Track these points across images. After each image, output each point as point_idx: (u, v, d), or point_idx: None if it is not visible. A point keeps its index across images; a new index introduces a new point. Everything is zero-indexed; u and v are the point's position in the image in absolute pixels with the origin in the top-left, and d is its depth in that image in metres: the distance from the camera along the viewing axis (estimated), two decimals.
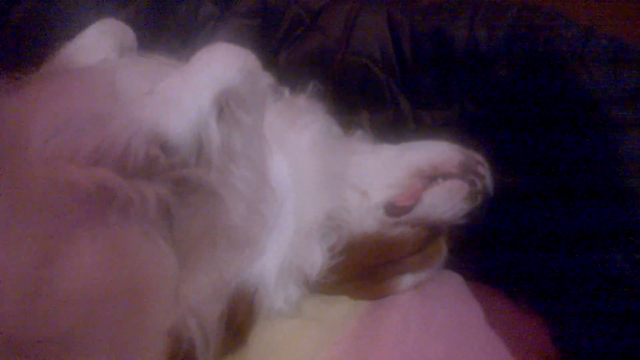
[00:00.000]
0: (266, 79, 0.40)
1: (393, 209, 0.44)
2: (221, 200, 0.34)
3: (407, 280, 0.47)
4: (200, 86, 0.33)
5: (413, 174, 0.45)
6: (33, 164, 0.31)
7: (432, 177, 0.45)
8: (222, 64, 0.34)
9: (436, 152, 0.47)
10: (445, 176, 0.45)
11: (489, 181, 0.45)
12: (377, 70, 0.59)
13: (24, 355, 0.26)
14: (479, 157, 0.46)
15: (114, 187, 0.30)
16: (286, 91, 0.53)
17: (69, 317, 0.27)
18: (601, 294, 0.40)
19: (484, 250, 0.50)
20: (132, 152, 0.31)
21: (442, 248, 0.47)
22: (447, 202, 0.44)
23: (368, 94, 0.60)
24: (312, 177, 0.44)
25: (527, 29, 0.50)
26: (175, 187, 0.33)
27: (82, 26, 0.48)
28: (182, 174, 0.32)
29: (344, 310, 0.47)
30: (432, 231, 0.46)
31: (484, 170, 0.45)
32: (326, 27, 0.61)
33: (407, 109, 0.59)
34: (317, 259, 0.44)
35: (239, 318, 0.39)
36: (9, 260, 0.27)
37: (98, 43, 0.46)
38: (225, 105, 0.34)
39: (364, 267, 0.46)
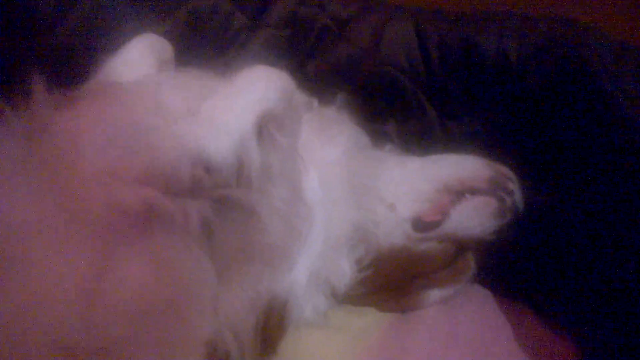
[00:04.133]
0: (301, 100, 0.42)
1: (420, 224, 0.46)
2: (259, 219, 0.37)
3: (434, 294, 0.49)
4: (243, 109, 0.36)
5: (441, 188, 0.47)
6: (86, 180, 0.34)
7: (460, 192, 0.47)
8: (263, 87, 0.37)
9: (464, 166, 0.48)
10: (474, 192, 0.46)
11: (518, 197, 0.46)
12: (404, 79, 0.61)
13: None
14: (508, 172, 0.48)
15: (160, 206, 0.33)
16: (315, 102, 0.56)
17: (121, 327, 0.30)
18: (631, 316, 0.41)
19: (512, 266, 0.51)
20: (179, 173, 0.33)
21: (470, 263, 0.49)
22: (475, 218, 0.46)
23: (396, 103, 0.62)
24: (340, 188, 0.47)
25: (558, 41, 0.51)
26: (216, 205, 0.35)
27: (124, 40, 0.52)
28: (223, 194, 0.35)
29: (370, 321, 0.49)
30: (460, 246, 0.47)
31: (513, 185, 0.47)
32: (354, 37, 0.63)
33: (435, 119, 0.60)
34: (345, 271, 0.46)
35: (270, 328, 0.42)
36: (67, 273, 0.30)
37: (139, 57, 0.49)
38: (264, 127, 0.37)
39: (391, 280, 0.48)
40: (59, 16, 0.51)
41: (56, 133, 0.37)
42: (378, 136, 0.61)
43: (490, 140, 0.56)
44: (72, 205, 0.33)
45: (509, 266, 0.52)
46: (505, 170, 0.48)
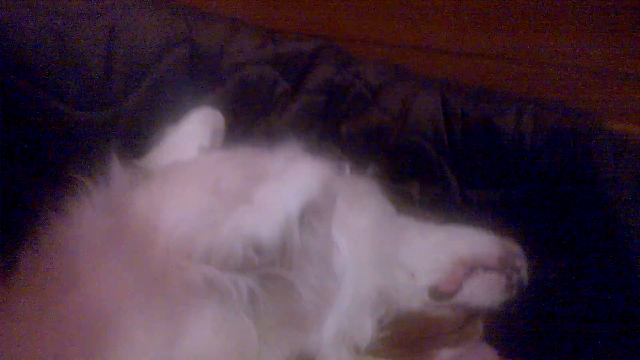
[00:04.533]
0: (337, 190, 0.48)
1: (436, 293, 0.52)
2: (297, 292, 0.43)
3: (445, 353, 0.55)
4: (289, 200, 0.42)
5: (457, 262, 0.53)
6: (160, 258, 0.41)
7: (473, 267, 0.53)
8: (308, 182, 0.44)
9: (479, 243, 0.54)
10: (486, 268, 0.52)
11: (524, 274, 0.52)
12: (429, 148, 0.67)
13: None
14: (517, 251, 0.54)
15: (218, 282, 0.40)
16: (347, 167, 0.63)
17: None
18: None
19: (517, 329, 0.57)
20: (234, 254, 0.40)
21: (479, 327, 0.55)
22: (485, 292, 0.52)
23: (420, 168, 0.68)
24: (367, 255, 0.53)
25: (569, 132, 0.57)
26: (261, 280, 0.42)
27: (183, 111, 0.60)
28: (268, 271, 0.42)
29: None
30: (470, 313, 0.53)
31: (521, 263, 0.53)
32: (385, 104, 0.70)
33: (455, 186, 0.66)
34: (367, 330, 0.53)
35: None
36: (149, 342, 0.37)
37: (197, 130, 0.57)
38: (305, 215, 0.43)
39: (407, 339, 0.54)
40: (127, 91, 0.59)
41: (134, 212, 0.45)
42: (402, 196, 0.68)
43: (504, 211, 0.62)
44: (148, 279, 0.40)
45: (514, 329, 0.58)
46: (514, 248, 0.54)
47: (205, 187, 0.48)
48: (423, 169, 0.68)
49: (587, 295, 0.54)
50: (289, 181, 0.44)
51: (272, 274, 0.43)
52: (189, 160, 0.52)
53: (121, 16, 0.59)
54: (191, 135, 0.57)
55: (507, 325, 0.58)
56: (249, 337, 0.42)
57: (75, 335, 0.37)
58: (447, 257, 0.54)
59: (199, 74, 0.64)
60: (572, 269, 0.56)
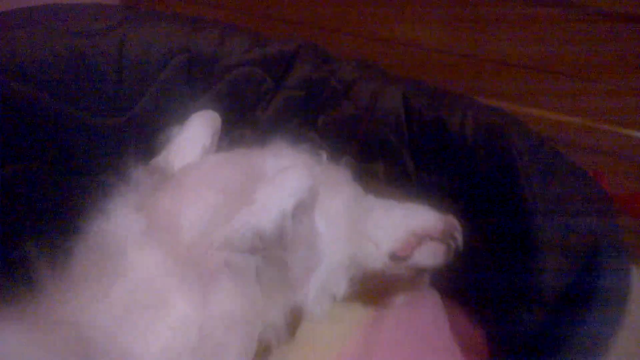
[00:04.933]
0: (318, 188, 0.62)
1: (394, 258, 0.69)
2: (289, 266, 0.59)
3: (400, 298, 0.72)
4: (284, 200, 0.56)
5: (410, 234, 0.69)
6: (186, 246, 0.55)
7: (422, 237, 0.69)
8: (298, 184, 0.57)
9: (427, 219, 0.70)
10: (431, 238, 0.69)
11: (460, 242, 0.69)
12: (392, 137, 0.81)
13: None
14: (455, 223, 0.70)
15: (234, 263, 0.54)
16: (324, 155, 0.76)
17: (221, 336, 0.52)
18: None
19: (454, 276, 0.75)
20: (244, 242, 0.55)
21: (426, 279, 0.73)
22: (431, 256, 0.69)
23: (384, 153, 0.83)
24: (341, 232, 0.69)
25: (499, 130, 0.71)
26: (264, 259, 0.57)
27: (185, 113, 0.71)
28: (270, 254, 0.56)
29: (358, 315, 0.73)
30: (420, 270, 0.71)
31: (458, 234, 0.69)
32: (356, 98, 0.83)
33: (412, 169, 0.81)
34: (342, 286, 0.69)
35: (292, 323, 0.65)
36: (191, 311, 0.51)
37: (200, 132, 0.69)
38: (296, 210, 0.58)
39: (372, 290, 0.72)
40: (136, 98, 0.70)
41: (161, 211, 0.58)
42: (369, 175, 0.83)
43: (449, 191, 0.78)
44: (181, 263, 0.54)
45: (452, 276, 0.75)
46: (454, 222, 0.70)
47: (215, 188, 0.61)
48: (386, 153, 0.82)
49: (499, 249, 0.72)
50: (284, 185, 0.58)
51: (272, 254, 0.58)
52: (197, 164, 0.65)
53: (128, 30, 0.69)
54: (195, 136, 0.69)
55: (445, 273, 0.76)
56: (257, 299, 0.57)
57: (132, 310, 0.51)
58: (403, 231, 0.70)
59: (195, 78, 0.75)
60: (493, 234, 0.73)
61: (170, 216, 0.58)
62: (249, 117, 0.81)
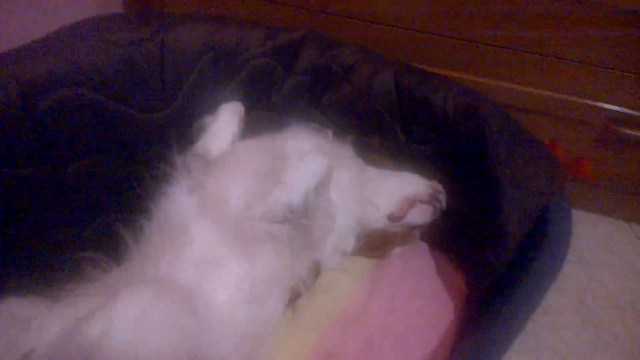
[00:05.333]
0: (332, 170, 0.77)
1: (392, 218, 0.86)
2: (312, 230, 0.75)
3: (397, 250, 0.90)
4: (308, 180, 0.71)
5: (404, 198, 0.86)
6: (233, 218, 0.70)
7: (414, 200, 0.86)
8: (318, 166, 0.72)
9: (418, 186, 0.87)
10: (422, 201, 0.86)
11: (444, 203, 0.86)
12: (386, 113, 0.96)
13: None
14: (440, 188, 0.87)
15: (272, 231, 0.70)
16: (330, 133, 0.91)
17: (266, 288, 0.69)
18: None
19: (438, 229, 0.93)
20: (278, 214, 0.70)
21: (417, 234, 0.91)
22: (421, 216, 0.86)
23: (379, 127, 0.97)
24: (349, 200, 0.85)
25: (474, 109, 0.86)
26: (294, 227, 0.73)
27: (213, 102, 0.84)
28: (298, 222, 0.72)
29: (364, 265, 0.91)
30: (412, 227, 0.88)
31: (442, 197, 0.86)
32: (354, 80, 0.96)
33: (403, 140, 0.97)
34: (351, 243, 0.86)
35: (313, 275, 0.83)
36: (242, 271, 0.67)
37: (229, 121, 0.82)
38: (316, 187, 0.73)
39: (375, 244, 0.89)
40: (175, 94, 0.82)
41: (209, 192, 0.72)
42: (367, 147, 0.98)
43: (434, 158, 0.94)
44: (230, 234, 0.69)
45: (438, 230, 0.93)
46: (438, 186, 0.87)
47: (251, 170, 0.76)
48: (381, 128, 0.97)
49: (473, 207, 0.89)
50: (307, 168, 0.73)
51: (299, 222, 0.74)
52: (232, 150, 0.79)
53: (167, 35, 0.80)
54: (226, 125, 0.83)
55: (432, 228, 0.94)
56: (288, 258, 0.74)
57: (200, 271, 0.66)
58: (398, 196, 0.87)
59: (220, 71, 0.87)
60: (469, 195, 0.90)
61: (217, 196, 0.73)
62: (265, 100, 0.94)
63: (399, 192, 0.87)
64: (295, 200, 0.71)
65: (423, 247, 0.95)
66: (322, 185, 0.74)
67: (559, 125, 1.06)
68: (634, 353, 0.90)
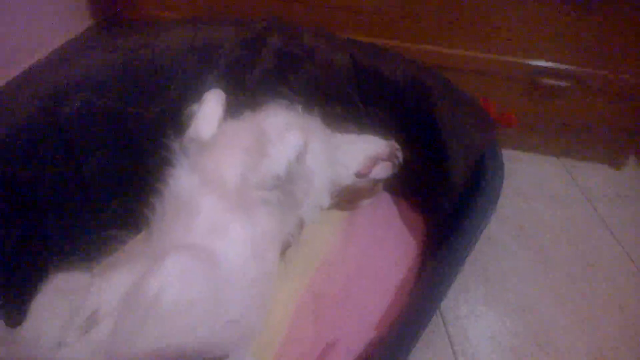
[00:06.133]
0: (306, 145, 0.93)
1: (359, 175, 1.04)
2: (295, 193, 0.92)
3: (365, 201, 1.09)
4: (290, 152, 0.87)
5: (369, 158, 1.04)
6: (231, 189, 0.86)
7: (376, 159, 1.04)
8: (297, 141, 0.88)
9: (378, 146, 1.05)
10: (383, 159, 1.04)
11: (401, 159, 1.05)
12: (346, 86, 1.12)
13: None
14: (397, 146, 1.05)
15: (264, 196, 0.87)
16: (299, 107, 1.07)
17: (265, 244, 0.86)
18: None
19: (398, 181, 1.12)
20: (268, 182, 0.86)
21: (380, 186, 1.10)
22: (383, 171, 1.05)
23: (341, 98, 1.13)
24: (322, 163, 1.01)
25: (420, 78, 1.04)
26: (281, 192, 0.90)
27: (198, 92, 0.98)
28: (284, 187, 0.89)
29: (339, 217, 1.10)
30: (376, 181, 1.07)
31: (399, 154, 1.05)
32: (316, 61, 1.11)
33: (362, 108, 1.13)
34: (326, 199, 1.04)
35: (299, 230, 1.00)
36: (244, 232, 0.84)
37: (215, 107, 0.97)
38: (296, 157, 0.89)
39: (346, 198, 1.08)
40: (165, 92, 0.96)
41: (208, 169, 0.88)
42: (332, 115, 1.15)
43: (390, 122, 1.12)
44: (231, 203, 0.85)
45: (398, 181, 1.12)
46: (395, 145, 1.05)
47: (239, 147, 0.91)
48: (343, 99, 1.12)
49: (426, 160, 1.09)
50: (288, 143, 0.89)
51: (285, 188, 0.90)
52: (221, 132, 0.94)
53: (157, 41, 0.93)
54: (212, 110, 0.97)
55: (393, 180, 1.13)
56: (279, 217, 0.91)
57: (209, 237, 0.82)
58: (363, 156, 1.04)
59: (201, 67, 1.00)
60: (421, 150, 1.09)
61: (215, 172, 0.88)
62: (241, 85, 1.08)
63: (363, 152, 1.05)
64: (281, 171, 0.87)
65: (387, 196, 1.15)
66: (300, 156, 0.91)
67: (490, 81, 1.25)
68: (567, 270, 1.11)
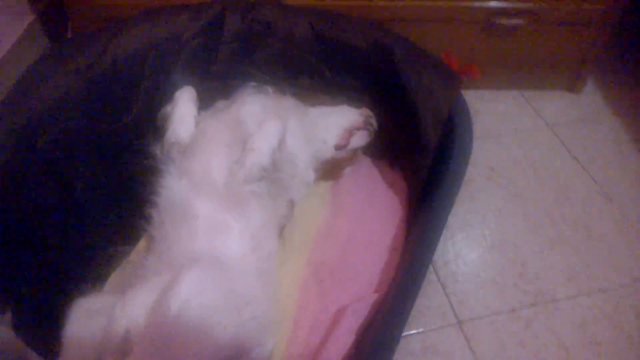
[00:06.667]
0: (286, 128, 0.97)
1: (338, 148, 1.09)
2: (282, 179, 0.97)
3: (346, 169, 1.16)
4: (272, 142, 0.91)
5: (345, 129, 1.08)
6: (220, 187, 0.90)
7: (352, 129, 1.09)
8: (276, 129, 0.92)
9: (352, 116, 1.09)
10: (358, 129, 1.09)
11: (375, 125, 1.10)
12: (310, 56, 1.14)
13: None
14: (370, 113, 1.10)
15: (254, 189, 0.92)
16: (269, 89, 1.09)
17: (263, 233, 0.92)
18: None
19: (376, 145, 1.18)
20: (256, 175, 0.91)
21: (359, 153, 1.15)
22: (360, 140, 1.10)
23: (307, 69, 1.15)
24: (302, 143, 1.06)
25: (385, 42, 1.06)
26: (269, 180, 0.94)
27: (170, 89, 0.99)
28: (270, 176, 0.94)
29: (324, 188, 1.16)
30: (355, 150, 1.12)
31: (373, 120, 1.10)
32: (277, 34, 1.12)
33: (330, 78, 1.15)
34: (311, 175, 1.09)
35: (290, 209, 1.06)
36: (236, 223, 0.89)
37: (189, 106, 0.98)
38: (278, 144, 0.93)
39: (329, 169, 1.13)
40: (134, 99, 0.96)
41: (195, 170, 0.91)
42: (299, 88, 1.17)
43: (358, 88, 1.15)
44: (222, 197, 0.90)
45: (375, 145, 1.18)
46: (368, 112, 1.10)
47: (221, 143, 0.94)
48: (309, 70, 1.14)
49: (399, 122, 1.15)
50: (268, 133, 0.92)
51: (272, 176, 0.95)
52: (200, 131, 0.96)
53: (113, 47, 0.92)
54: (186, 111, 0.98)
55: (370, 146, 1.19)
56: (270, 205, 0.96)
57: (211, 237, 0.87)
58: (339, 128, 1.09)
59: (165, 62, 1.00)
60: (392, 114, 1.14)
61: (202, 174, 0.92)
62: (207, 72, 1.09)
63: (338, 125, 1.09)
64: (265, 162, 0.91)
65: (367, 161, 1.21)
66: (281, 142, 0.95)
67: (449, 28, 1.29)
68: (537, 200, 1.21)
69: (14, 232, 0.76)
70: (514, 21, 1.28)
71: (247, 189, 0.91)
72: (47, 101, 0.81)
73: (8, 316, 0.69)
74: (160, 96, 0.99)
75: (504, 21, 1.28)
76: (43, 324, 0.74)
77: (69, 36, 1.38)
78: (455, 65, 1.08)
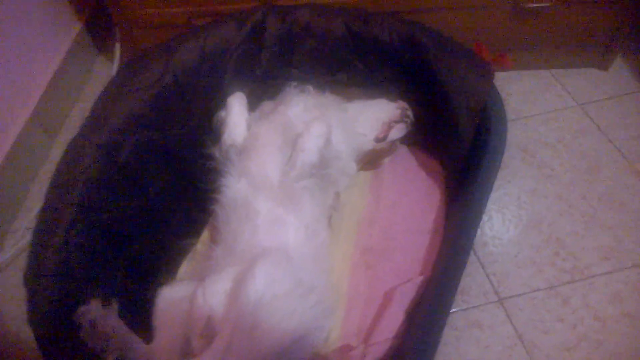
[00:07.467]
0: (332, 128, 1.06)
1: (378, 140, 1.18)
2: (330, 173, 1.07)
3: (386, 159, 1.25)
4: (319, 141, 1.00)
5: (384, 123, 1.17)
6: (276, 185, 1.01)
7: (390, 122, 1.18)
8: (323, 129, 1.01)
9: (389, 110, 1.18)
10: (396, 122, 1.18)
11: (412, 117, 1.18)
12: (346, 54, 1.22)
13: None
14: (406, 106, 1.18)
15: (306, 184, 1.02)
16: (310, 87, 1.18)
17: (316, 224, 1.03)
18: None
19: (414, 135, 1.26)
20: (306, 172, 1.01)
21: (397, 143, 1.24)
22: (398, 132, 1.18)
23: (343, 65, 1.23)
24: (344, 138, 1.15)
25: (415, 36, 1.14)
26: (319, 176, 1.04)
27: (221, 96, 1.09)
28: (319, 172, 1.04)
29: (365, 177, 1.25)
30: (393, 141, 1.21)
31: (410, 113, 1.18)
32: (314, 35, 1.20)
33: (365, 72, 1.23)
34: (353, 167, 1.19)
35: (337, 199, 1.16)
36: (290, 217, 1.00)
37: (241, 110, 1.08)
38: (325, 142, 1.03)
39: (370, 159, 1.23)
40: (193, 110, 1.08)
41: (252, 172, 1.01)
42: (338, 84, 1.26)
43: (394, 82, 1.23)
44: (278, 197, 1.00)
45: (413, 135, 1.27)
46: (404, 105, 1.18)
47: (273, 145, 1.04)
48: (346, 66, 1.22)
49: (434, 112, 1.23)
50: (315, 133, 1.02)
51: (320, 172, 1.05)
52: (253, 134, 1.07)
53: (174, 64, 1.03)
54: (240, 115, 1.08)
55: (409, 135, 1.27)
56: (320, 199, 1.05)
57: (272, 232, 0.98)
58: (378, 122, 1.18)
59: (216, 73, 1.10)
60: (428, 105, 1.22)
61: (259, 174, 1.02)
62: (252, 76, 1.19)
63: (377, 119, 1.18)
64: (314, 160, 1.01)
65: (404, 149, 1.30)
66: (327, 140, 1.05)
67: (476, 15, 1.35)
68: (570, 178, 1.28)
69: (109, 234, 0.88)
70: (543, 4, 1.33)
71: (299, 186, 1.01)
72: (122, 117, 0.92)
73: (114, 306, 0.82)
74: (214, 105, 1.10)
75: (532, 5, 1.33)
76: (137, 311, 0.86)
77: (118, 42, 1.48)
78: (486, 55, 1.15)
